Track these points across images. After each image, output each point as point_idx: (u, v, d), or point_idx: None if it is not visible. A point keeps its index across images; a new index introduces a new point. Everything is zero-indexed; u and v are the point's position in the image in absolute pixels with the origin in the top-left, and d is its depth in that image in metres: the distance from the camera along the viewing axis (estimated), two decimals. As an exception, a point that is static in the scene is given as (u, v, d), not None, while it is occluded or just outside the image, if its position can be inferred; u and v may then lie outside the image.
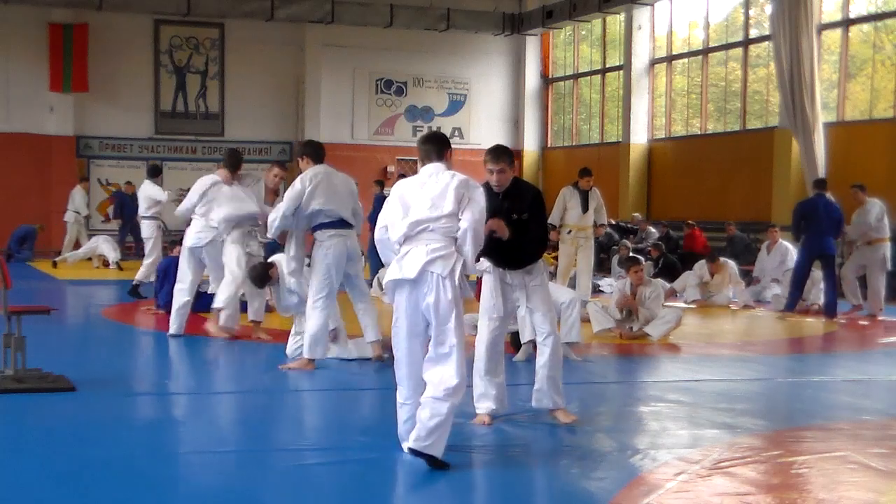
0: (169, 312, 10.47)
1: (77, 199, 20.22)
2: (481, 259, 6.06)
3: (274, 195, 10.04)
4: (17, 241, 20.43)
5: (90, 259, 18.90)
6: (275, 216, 8.07)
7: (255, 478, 4.95)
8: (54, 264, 18.11)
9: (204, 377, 8.19)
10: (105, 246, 18.59)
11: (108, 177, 23.22)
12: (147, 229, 13.53)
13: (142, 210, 13.62)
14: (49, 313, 7.39)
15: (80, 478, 4.87)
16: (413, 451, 5.03)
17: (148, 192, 13.50)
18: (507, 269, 6.15)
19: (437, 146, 5.49)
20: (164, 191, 13.77)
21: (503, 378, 6.25)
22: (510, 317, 6.50)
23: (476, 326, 8.97)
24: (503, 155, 6.07)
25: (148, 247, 13.46)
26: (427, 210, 5.24)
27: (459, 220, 5.23)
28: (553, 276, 12.81)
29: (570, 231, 12.93)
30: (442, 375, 5.06)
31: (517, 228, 5.98)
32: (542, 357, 6.21)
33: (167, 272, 11.12)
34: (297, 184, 8.01)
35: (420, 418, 5.04)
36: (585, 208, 12.93)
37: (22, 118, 22.61)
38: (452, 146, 5.63)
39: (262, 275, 8.82)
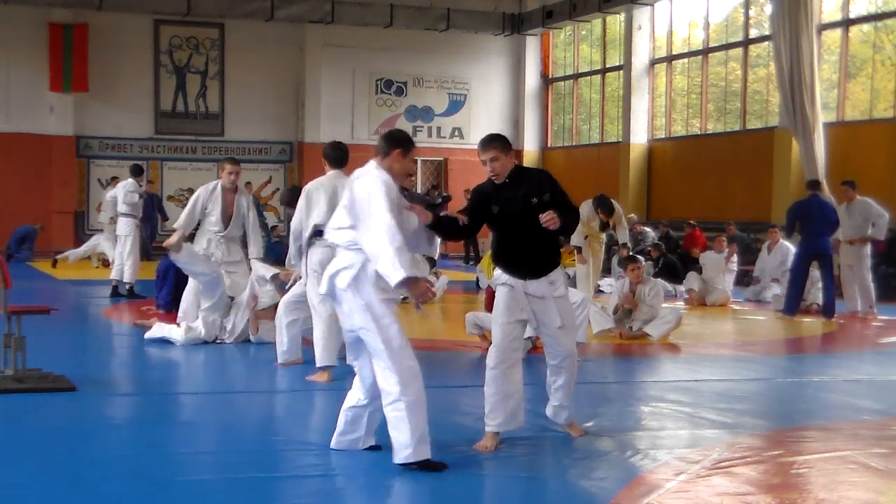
0: (168, 313, 10.48)
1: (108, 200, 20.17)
2: (497, 272, 5.66)
3: (232, 194, 9.53)
4: (16, 242, 20.41)
5: (89, 258, 18.88)
6: (291, 239, 7.74)
7: (255, 478, 4.94)
8: (54, 263, 18.08)
9: (204, 378, 8.19)
10: (106, 244, 18.56)
11: (109, 177, 23.16)
12: (124, 226, 13.61)
13: (120, 207, 13.70)
14: (49, 313, 7.39)
15: (80, 478, 4.87)
16: (404, 465, 4.94)
17: (128, 190, 13.62)
18: (528, 280, 5.53)
19: (385, 144, 5.12)
20: (137, 194, 13.79)
21: (520, 390, 5.64)
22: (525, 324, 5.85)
23: (476, 325, 9.09)
24: (491, 143, 5.51)
25: (126, 247, 13.47)
26: (331, 222, 5.16)
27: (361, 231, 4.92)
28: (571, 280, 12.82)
29: (585, 237, 12.97)
30: (384, 379, 4.96)
31: (542, 213, 5.41)
32: (559, 380, 5.74)
33: (167, 272, 11.12)
34: (301, 198, 7.65)
35: (390, 431, 4.97)
36: (604, 227, 13.11)
37: (22, 118, 22.61)
38: (416, 145, 5.26)
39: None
